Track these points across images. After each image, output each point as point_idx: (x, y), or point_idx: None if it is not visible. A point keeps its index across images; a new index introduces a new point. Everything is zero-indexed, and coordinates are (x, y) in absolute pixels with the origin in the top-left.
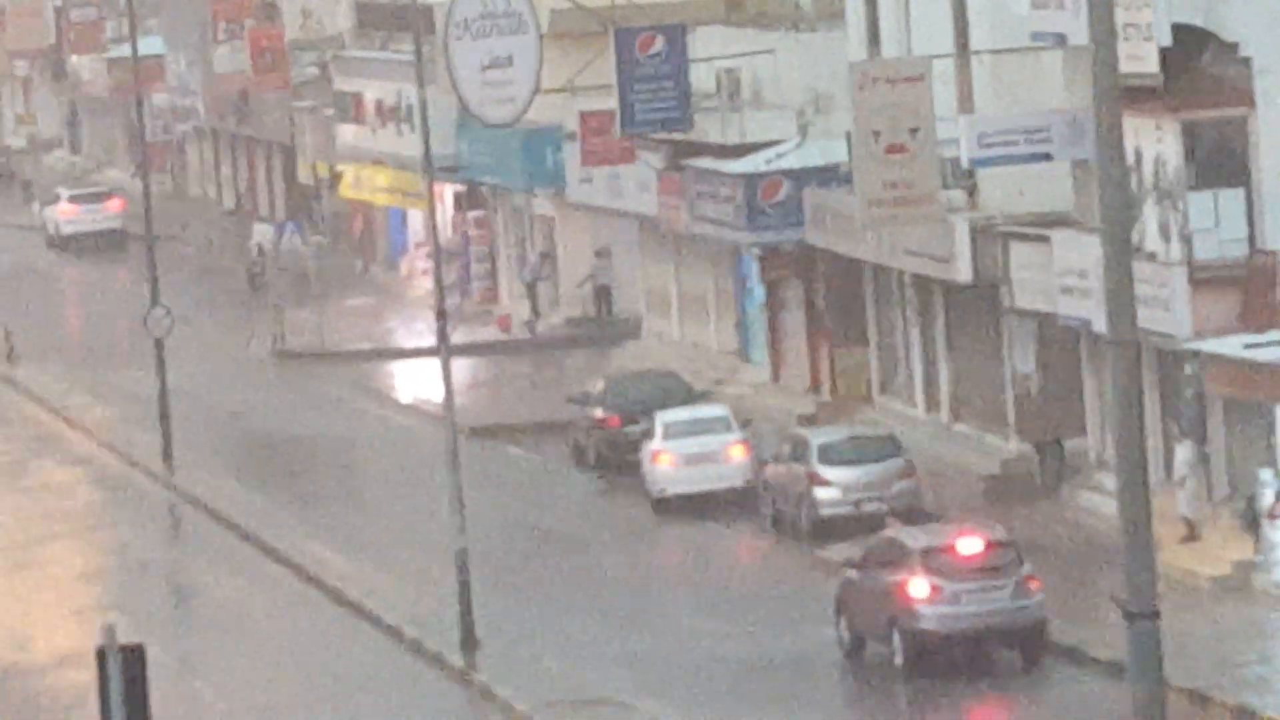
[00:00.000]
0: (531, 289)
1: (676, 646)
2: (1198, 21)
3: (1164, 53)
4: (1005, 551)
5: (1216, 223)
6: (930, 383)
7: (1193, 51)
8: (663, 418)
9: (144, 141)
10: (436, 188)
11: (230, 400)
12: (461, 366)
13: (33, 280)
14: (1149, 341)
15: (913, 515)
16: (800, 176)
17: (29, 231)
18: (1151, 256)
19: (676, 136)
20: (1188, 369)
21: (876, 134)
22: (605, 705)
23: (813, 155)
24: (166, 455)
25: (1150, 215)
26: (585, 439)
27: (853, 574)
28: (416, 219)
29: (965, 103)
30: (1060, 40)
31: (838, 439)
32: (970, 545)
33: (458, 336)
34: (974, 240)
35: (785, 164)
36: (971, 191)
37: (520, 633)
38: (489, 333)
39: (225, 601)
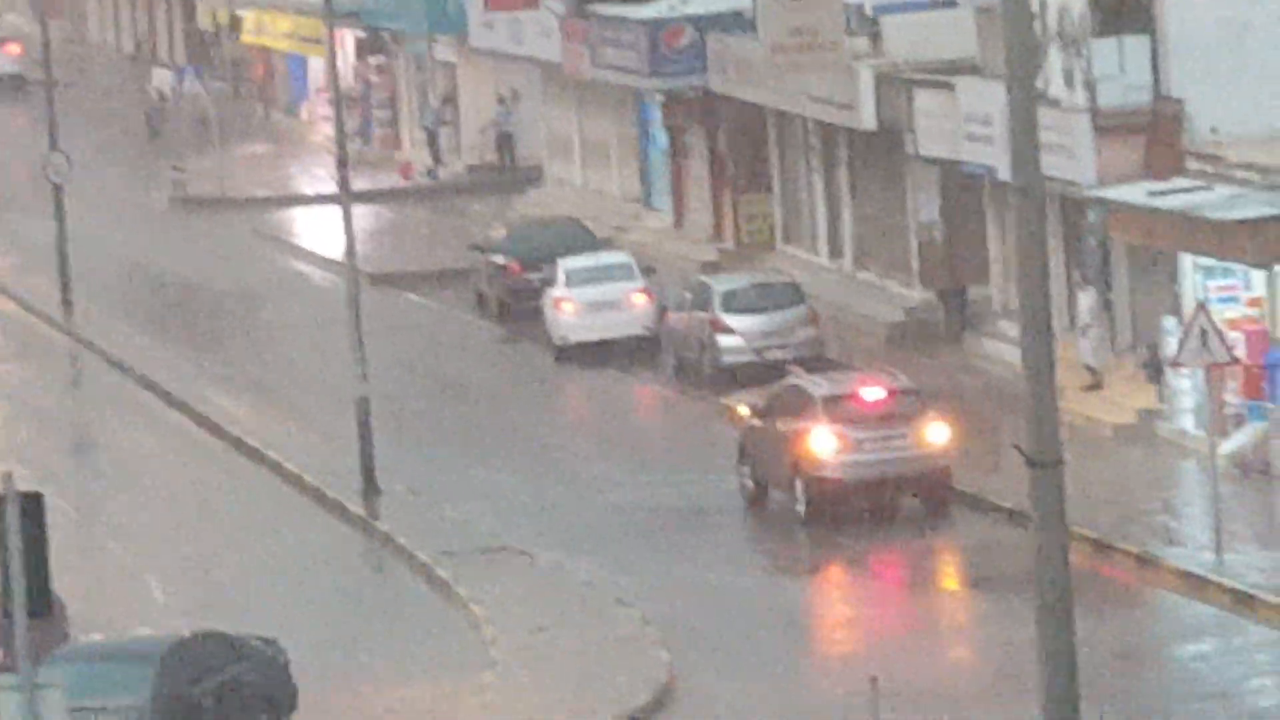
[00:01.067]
0: (433, 136)
1: (578, 495)
2: None
3: None
4: (908, 399)
5: (1121, 69)
6: (834, 230)
7: None
8: (565, 265)
9: None
10: (337, 33)
11: (130, 248)
12: (362, 213)
13: None
14: (1053, 189)
15: (816, 363)
16: (704, 23)
17: None
18: (1056, 103)
19: None
20: (1091, 216)
21: None
22: (506, 553)
23: (717, 1)
24: (65, 302)
25: (1055, 62)
26: (487, 287)
27: (755, 422)
28: (317, 65)
29: None
30: None
31: (740, 286)
32: (873, 393)
33: (359, 183)
34: (878, 87)
35: (689, 10)
36: (876, 38)
37: (421, 481)
38: (390, 179)
39: (125, 450)
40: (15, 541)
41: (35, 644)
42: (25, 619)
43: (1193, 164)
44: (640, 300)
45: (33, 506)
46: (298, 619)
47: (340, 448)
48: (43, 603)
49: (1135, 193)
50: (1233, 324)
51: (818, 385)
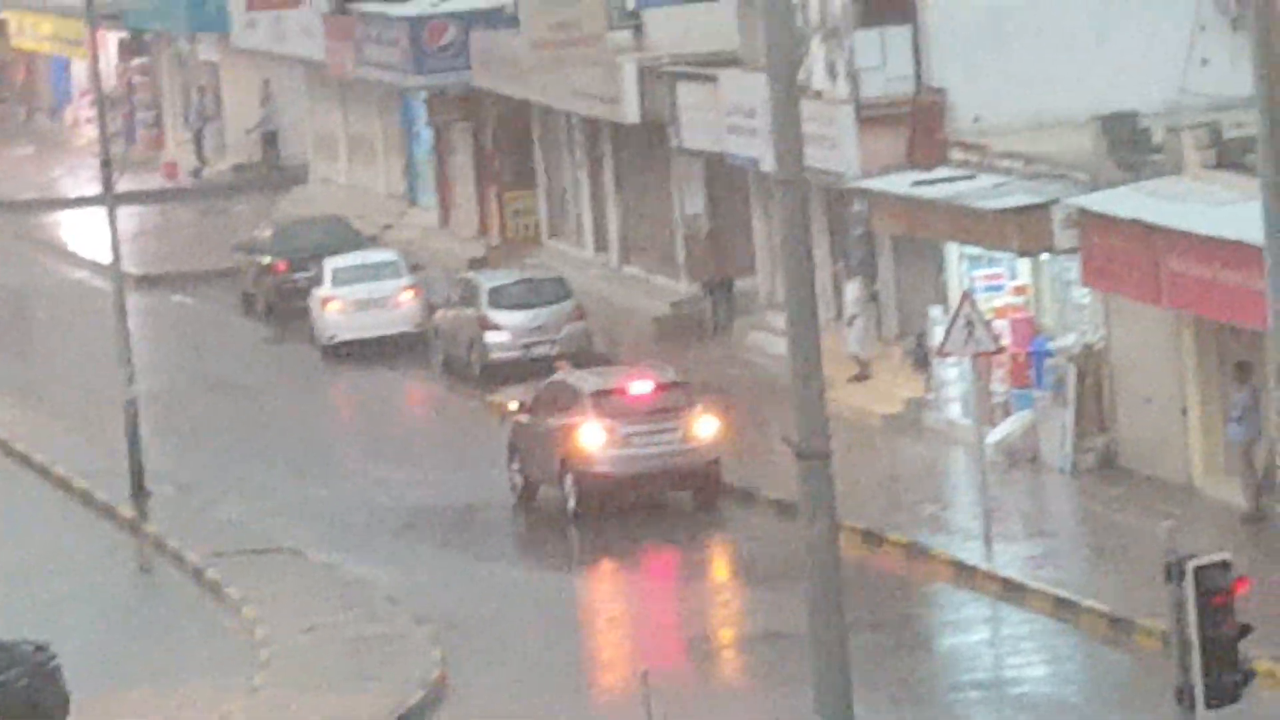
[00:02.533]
0: (197, 136)
1: (348, 493)
2: None
3: None
4: (676, 393)
5: (883, 60)
6: (599, 225)
7: None
8: (331, 264)
9: None
10: (100, 35)
11: None
12: (128, 215)
13: None
14: (817, 180)
15: (583, 358)
16: (467, 19)
17: None
18: (818, 95)
19: None
20: (856, 207)
21: None
22: (277, 554)
23: None
24: None
25: (817, 53)
26: (254, 286)
27: (524, 418)
28: (80, 67)
29: None
30: None
31: (507, 282)
32: (641, 387)
33: (123, 185)
34: (641, 81)
35: (451, 6)
36: (638, 32)
37: (191, 482)
38: (155, 180)
39: None
40: None
41: None
42: None
43: (956, 154)
44: (407, 298)
45: None
46: (68, 623)
47: (109, 450)
48: None
49: (899, 183)
50: (998, 313)
51: (585, 380)
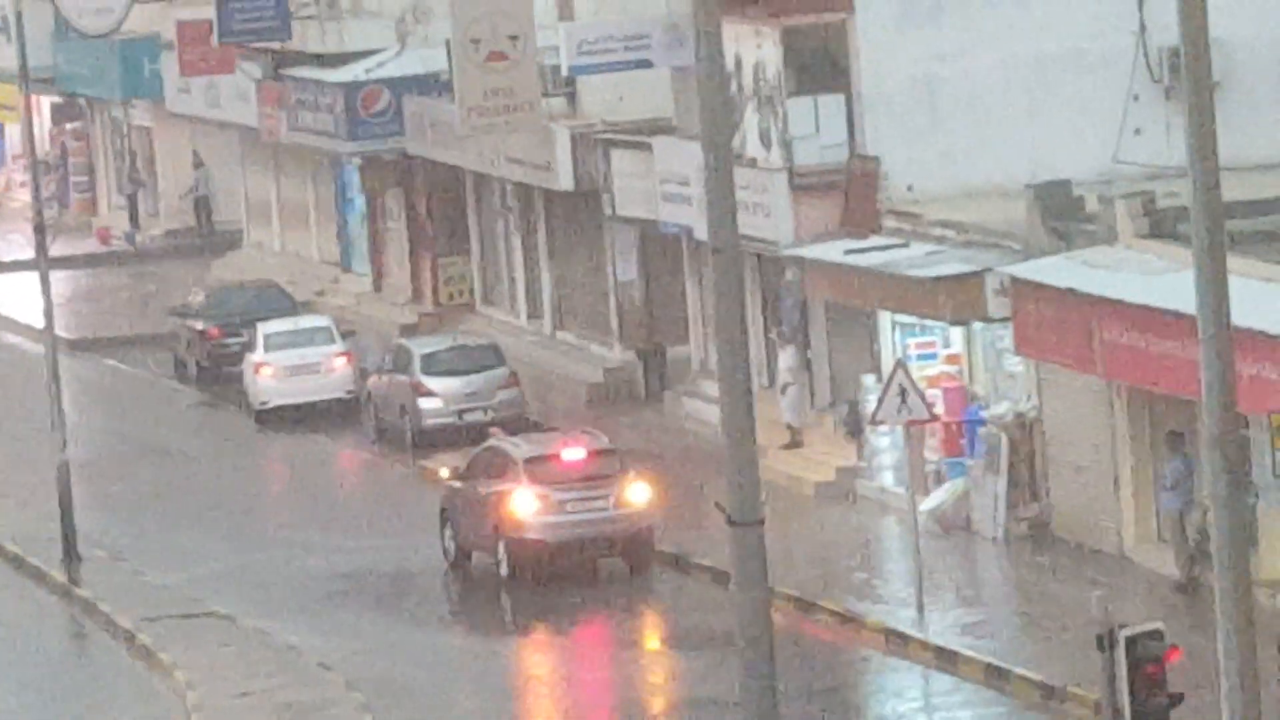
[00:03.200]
0: (131, 200)
1: (280, 559)
2: None
3: None
4: (609, 459)
5: (817, 128)
6: (532, 291)
7: None
8: (264, 329)
9: None
10: (33, 99)
11: None
12: (61, 279)
13: None
14: (751, 247)
15: (517, 424)
16: (400, 85)
17: None
18: (753, 163)
19: (275, 46)
20: (789, 275)
21: (476, 41)
22: (209, 619)
23: (413, 64)
24: None
25: (751, 121)
26: (186, 351)
27: (457, 484)
28: (14, 131)
29: (565, 9)
30: None
31: (440, 349)
32: (574, 454)
33: (56, 249)
34: (575, 148)
35: (385, 73)
36: (572, 99)
37: (123, 547)
38: (89, 245)
39: None
40: None
41: None
42: None
43: (890, 222)
44: (340, 364)
45: None
46: None
47: (41, 514)
48: None
49: (832, 250)
50: (931, 381)
51: (518, 447)
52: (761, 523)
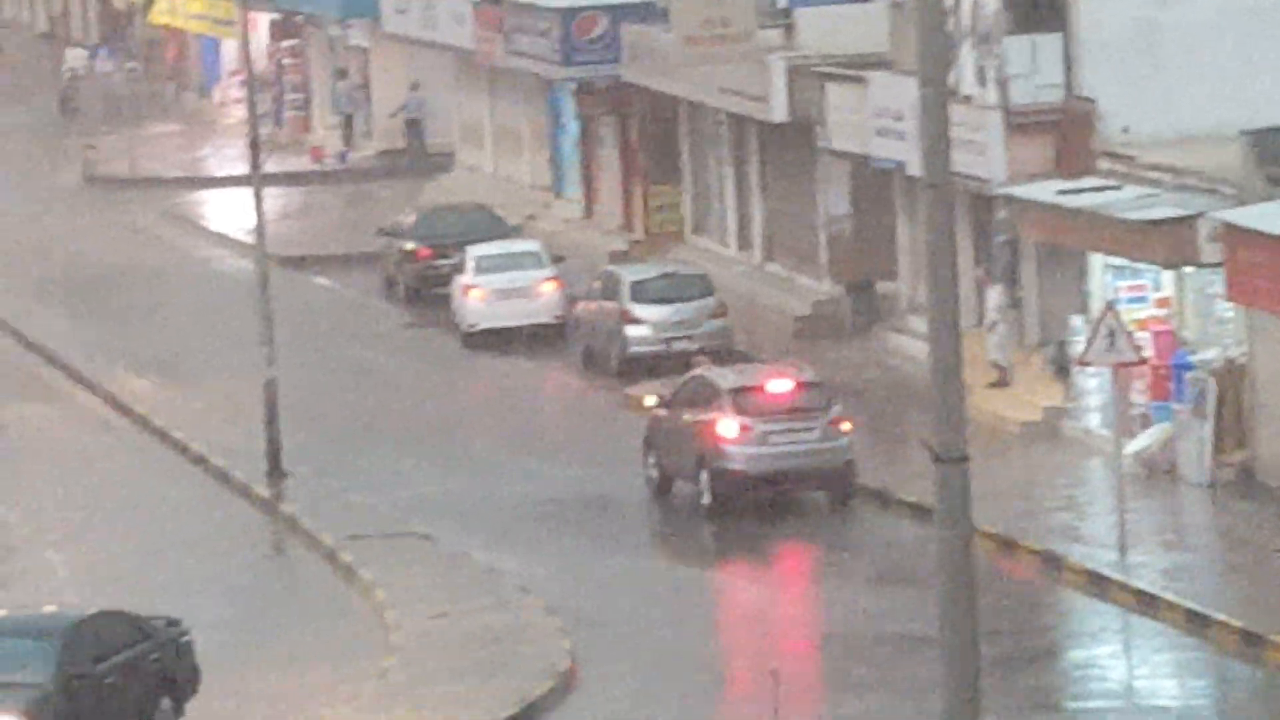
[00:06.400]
0: (348, 119)
1: (482, 483)
2: None
3: None
4: (814, 392)
5: (1033, 68)
6: (743, 222)
7: None
8: (474, 252)
9: None
10: (252, 16)
11: (40, 226)
12: (273, 196)
13: None
14: (963, 185)
15: (723, 355)
16: (618, 12)
17: None
18: (967, 100)
19: None
20: (1001, 214)
21: None
22: (409, 538)
23: None
24: None
25: (967, 59)
26: (395, 271)
27: (661, 413)
28: (230, 47)
29: None
30: None
31: (650, 277)
32: (780, 385)
33: (270, 166)
34: (790, 80)
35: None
36: (788, 31)
37: (327, 465)
38: (301, 163)
39: (32, 427)
40: None
41: None
42: None
43: (1103, 163)
44: (549, 289)
45: None
46: (201, 600)
47: (247, 430)
48: None
49: (1045, 191)
50: (1141, 324)
51: (724, 377)
52: (967, 460)
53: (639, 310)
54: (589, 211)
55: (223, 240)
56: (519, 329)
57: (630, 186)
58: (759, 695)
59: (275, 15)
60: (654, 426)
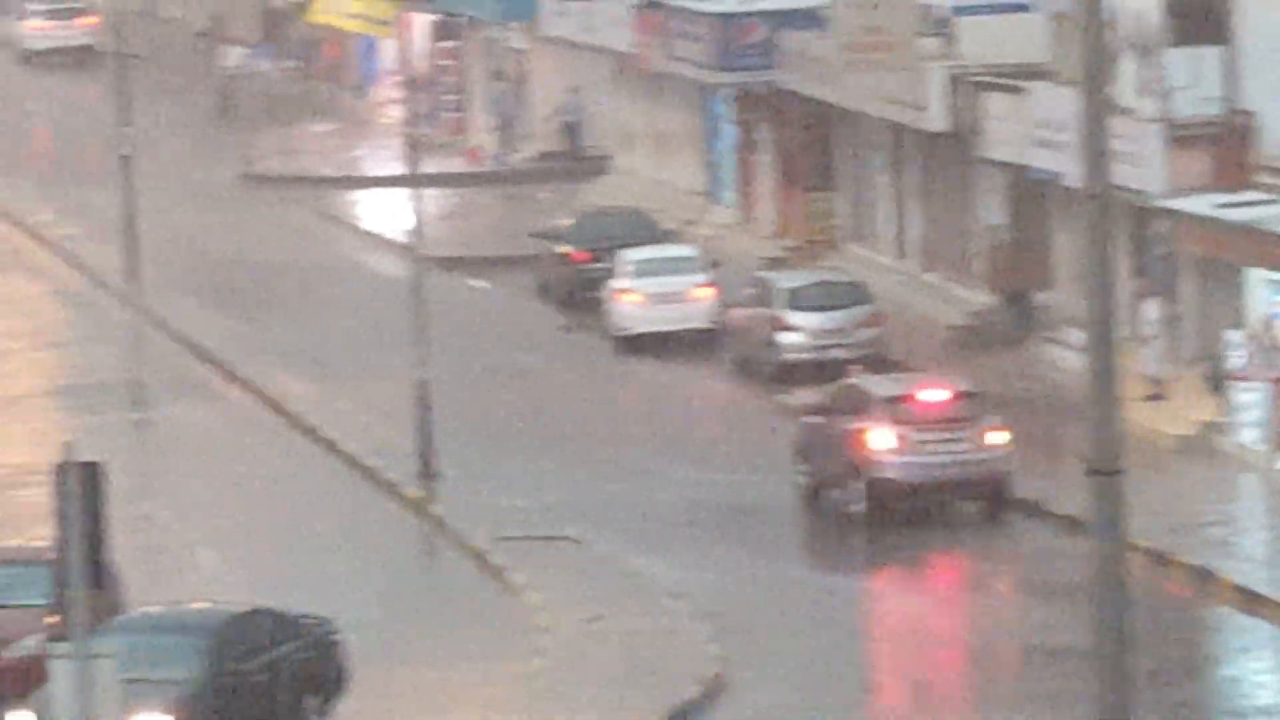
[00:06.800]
0: (506, 121)
1: (634, 486)
2: None
3: None
4: (969, 402)
5: (1194, 80)
6: (900, 231)
7: None
8: (629, 256)
9: None
10: (411, 17)
11: (196, 223)
12: (429, 197)
13: (1, 96)
14: (1121, 197)
15: (877, 363)
16: (777, 19)
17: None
18: (1127, 112)
19: None
20: (1159, 226)
21: None
22: (559, 542)
23: None
24: (131, 274)
25: (1127, 70)
26: (551, 274)
27: (814, 420)
28: (389, 47)
29: None
30: None
31: (805, 284)
32: (934, 395)
33: (426, 166)
34: (949, 89)
35: (761, 5)
36: (948, 40)
37: (478, 467)
38: (458, 164)
39: (184, 423)
40: (73, 510)
41: (90, 613)
42: (80, 588)
43: (1263, 178)
44: (703, 294)
45: (91, 475)
46: (349, 599)
47: (397, 430)
48: (98, 572)
49: (1204, 204)
50: None
51: (879, 385)
52: (1121, 472)
53: (793, 317)
54: (745, 217)
55: (377, 240)
56: (672, 334)
57: (787, 192)
58: (908, 707)
59: (434, 17)
60: (806, 434)
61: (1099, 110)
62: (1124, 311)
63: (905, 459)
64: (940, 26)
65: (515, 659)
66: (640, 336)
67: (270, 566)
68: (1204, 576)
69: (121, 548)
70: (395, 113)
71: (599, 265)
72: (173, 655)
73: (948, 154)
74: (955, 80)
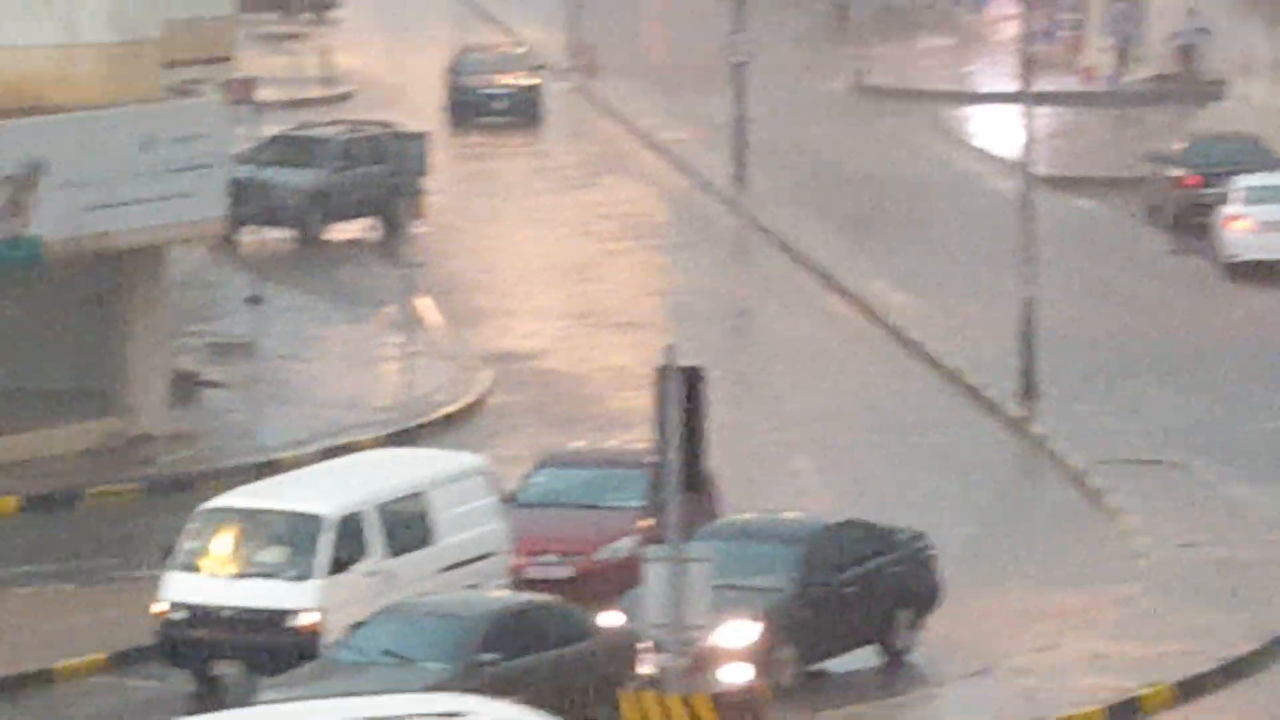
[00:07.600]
0: (1121, 42)
1: (1237, 414)
2: None
3: None
4: None
5: None
6: None
7: None
8: (1242, 182)
9: None
10: None
11: (806, 133)
12: (1040, 115)
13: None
14: None
15: None
16: None
17: None
18: None
19: None
20: None
21: None
22: (1159, 466)
23: None
24: (738, 181)
25: None
26: (1160, 198)
27: None
28: None
29: None
30: None
31: None
32: None
33: (1040, 84)
34: None
35: None
36: None
37: (1079, 388)
38: (1071, 83)
39: (784, 331)
40: (674, 414)
41: (686, 518)
42: (678, 492)
43: None
44: None
45: (693, 380)
46: (945, 515)
47: (998, 348)
48: (696, 477)
49: None
50: None
51: None
52: None
53: None
54: None
55: (987, 157)
56: None
57: None
58: None
59: None
60: None
61: None
62: None
63: None
64: None
65: (1111, 582)
66: (1250, 263)
67: (866, 478)
68: None
69: (718, 453)
70: (1011, 29)
71: (1210, 190)
72: (765, 564)
73: None
74: None
